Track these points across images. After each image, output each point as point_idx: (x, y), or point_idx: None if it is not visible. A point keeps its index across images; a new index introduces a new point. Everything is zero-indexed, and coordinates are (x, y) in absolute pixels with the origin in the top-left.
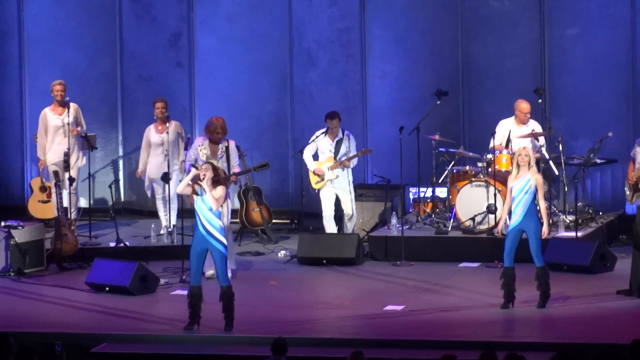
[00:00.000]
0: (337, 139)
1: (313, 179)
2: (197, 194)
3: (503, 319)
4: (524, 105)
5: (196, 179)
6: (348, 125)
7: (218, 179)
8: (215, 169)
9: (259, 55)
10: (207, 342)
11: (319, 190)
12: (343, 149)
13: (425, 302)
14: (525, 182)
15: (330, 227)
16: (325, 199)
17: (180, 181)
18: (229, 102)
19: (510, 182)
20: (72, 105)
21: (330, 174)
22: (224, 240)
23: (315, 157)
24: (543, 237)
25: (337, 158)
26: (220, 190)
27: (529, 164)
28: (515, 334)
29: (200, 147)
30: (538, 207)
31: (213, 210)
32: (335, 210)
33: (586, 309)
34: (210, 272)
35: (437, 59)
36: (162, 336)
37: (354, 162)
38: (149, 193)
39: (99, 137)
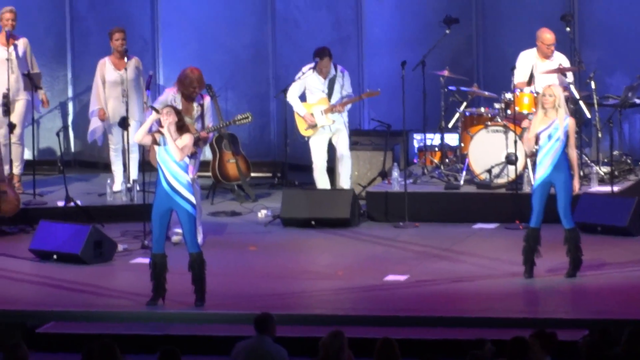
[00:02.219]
0: (329, 76)
1: (301, 125)
2: (158, 144)
3: (525, 290)
4: (547, 35)
5: (157, 126)
6: (341, 59)
7: (183, 124)
8: (178, 112)
9: None
10: (174, 319)
11: (308, 137)
12: (337, 89)
13: (433, 271)
14: (554, 128)
15: (322, 181)
16: (317, 147)
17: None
18: (197, 32)
19: (534, 128)
20: (23, 40)
21: (324, 119)
22: (192, 199)
23: (303, 97)
24: (574, 193)
25: (332, 100)
26: (186, 138)
27: (556, 105)
28: (540, 308)
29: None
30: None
31: (178, 162)
32: (327, 161)
33: (625, 279)
34: (177, 237)
35: None
36: (121, 313)
37: (348, 105)
38: (98, 141)
39: (45, 74)
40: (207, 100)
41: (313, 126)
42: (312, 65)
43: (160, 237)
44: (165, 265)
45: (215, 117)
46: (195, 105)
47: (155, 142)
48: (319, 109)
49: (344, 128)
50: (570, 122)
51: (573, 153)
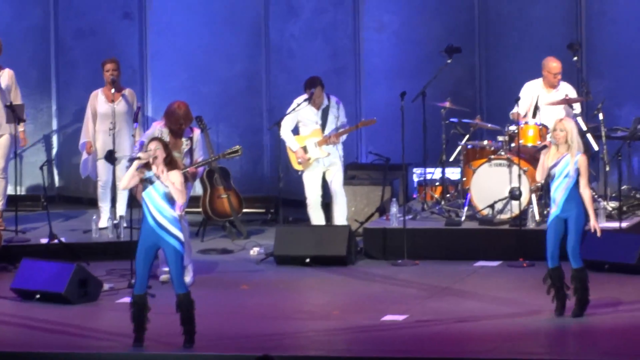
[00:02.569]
0: (322, 107)
1: (294, 159)
2: (149, 182)
3: (530, 331)
4: (553, 64)
5: (143, 166)
6: (337, 90)
7: (171, 159)
8: (166, 146)
9: (226, 4)
10: None
11: (301, 172)
12: (331, 119)
13: (433, 310)
14: (564, 164)
15: (316, 217)
16: (310, 182)
17: (128, 165)
18: (188, 62)
19: (546, 161)
20: (8, 72)
21: (318, 151)
22: (180, 235)
23: (296, 130)
24: (598, 234)
25: (326, 131)
26: (174, 175)
27: (568, 140)
28: (546, 350)
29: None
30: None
31: (167, 199)
32: (322, 197)
33: (634, 318)
34: (165, 276)
35: (447, 8)
36: (107, 355)
37: (343, 136)
38: (92, 176)
39: (28, 106)
40: (197, 133)
41: (306, 161)
42: (306, 96)
43: (143, 276)
44: (146, 305)
45: (205, 150)
46: (184, 139)
47: (143, 180)
48: (312, 141)
49: (339, 162)
50: (581, 160)
51: (588, 192)
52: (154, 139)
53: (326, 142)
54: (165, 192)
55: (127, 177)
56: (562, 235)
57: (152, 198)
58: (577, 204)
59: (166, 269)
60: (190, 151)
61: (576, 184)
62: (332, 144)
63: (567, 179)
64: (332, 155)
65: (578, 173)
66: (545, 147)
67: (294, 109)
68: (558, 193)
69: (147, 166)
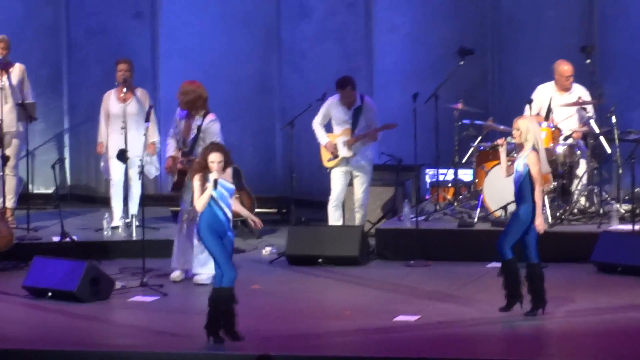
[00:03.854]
0: (354, 107)
1: (325, 156)
2: (215, 185)
3: (543, 333)
4: (564, 67)
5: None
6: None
7: (228, 159)
8: (225, 154)
9: (238, 4)
10: None
11: (329, 169)
12: (362, 121)
13: (444, 311)
14: (521, 160)
15: (335, 217)
16: (336, 180)
17: (140, 164)
18: (200, 62)
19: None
20: (19, 66)
21: (346, 150)
22: None
23: (329, 129)
24: (539, 232)
25: (356, 131)
26: (229, 170)
27: (523, 139)
28: (559, 352)
29: (177, 122)
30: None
31: (231, 192)
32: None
33: None
34: (177, 273)
35: (459, 10)
36: (119, 353)
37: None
38: (107, 176)
39: (39, 105)
40: (209, 119)
41: (335, 157)
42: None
43: (229, 263)
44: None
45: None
46: (193, 123)
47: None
48: (341, 140)
49: (368, 167)
50: (530, 156)
51: (537, 189)
52: (214, 149)
53: (355, 142)
54: (232, 189)
55: (203, 201)
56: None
57: (223, 196)
58: (524, 200)
59: (201, 270)
60: (196, 139)
61: (526, 181)
62: (361, 145)
63: (516, 174)
64: (362, 159)
65: (528, 170)
66: (497, 145)
67: (326, 107)
68: (514, 189)
69: (204, 171)
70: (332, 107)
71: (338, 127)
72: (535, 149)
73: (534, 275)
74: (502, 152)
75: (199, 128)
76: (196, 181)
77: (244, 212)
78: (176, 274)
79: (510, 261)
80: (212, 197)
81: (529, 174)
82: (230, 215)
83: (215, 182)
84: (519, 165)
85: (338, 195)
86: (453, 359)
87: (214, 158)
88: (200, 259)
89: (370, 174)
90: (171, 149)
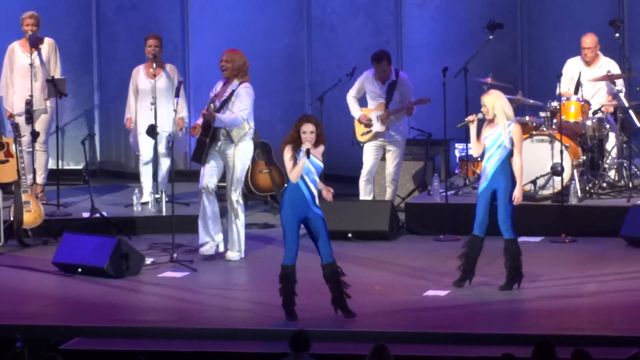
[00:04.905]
0: (389, 81)
1: (358, 129)
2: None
3: (574, 306)
4: (585, 40)
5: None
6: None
7: (320, 133)
8: (317, 125)
9: None
10: (205, 336)
11: (362, 143)
12: (396, 96)
13: (474, 285)
14: (497, 135)
15: (366, 191)
16: (368, 154)
17: (170, 139)
18: (230, 37)
19: (483, 132)
20: (48, 41)
21: (379, 125)
22: None
23: (363, 103)
24: (515, 204)
25: (389, 106)
26: (322, 146)
27: (492, 114)
28: (591, 325)
29: (213, 92)
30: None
31: (319, 170)
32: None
33: None
34: (207, 247)
35: None
36: (149, 329)
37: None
38: (137, 152)
39: (69, 81)
40: (242, 88)
41: (369, 131)
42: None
43: (295, 247)
44: (294, 276)
45: (241, 109)
46: (229, 87)
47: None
48: (375, 115)
49: (400, 143)
50: (514, 129)
51: (517, 161)
52: (307, 120)
53: (388, 117)
54: (320, 167)
55: (296, 172)
56: (491, 206)
57: (310, 172)
58: (506, 176)
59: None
60: (227, 101)
61: (509, 155)
62: (393, 120)
63: (500, 149)
64: (395, 134)
65: (512, 143)
66: (467, 122)
67: (361, 81)
68: (489, 164)
69: (295, 142)
70: (366, 81)
71: (372, 101)
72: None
73: (510, 250)
74: (472, 128)
75: (233, 92)
76: (286, 153)
77: (320, 186)
78: (205, 248)
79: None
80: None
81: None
82: (315, 192)
83: (308, 152)
84: (504, 139)
85: (370, 170)
86: (483, 334)
87: (307, 128)
88: (232, 235)
89: (403, 149)
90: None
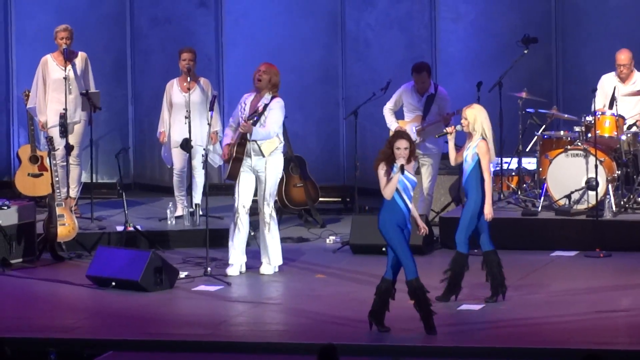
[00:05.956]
0: (427, 94)
1: None
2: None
3: (610, 321)
4: (620, 56)
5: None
6: (412, 80)
7: (413, 149)
8: (410, 142)
9: None
10: (238, 349)
11: None
12: (434, 108)
13: (508, 300)
14: (470, 150)
15: None
16: None
17: (204, 153)
18: (264, 51)
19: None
20: (81, 55)
21: (415, 136)
22: None
23: (400, 116)
24: (486, 219)
25: (427, 119)
26: (414, 163)
27: (471, 129)
28: (628, 340)
29: (241, 106)
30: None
31: (414, 185)
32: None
33: None
34: (234, 267)
35: None
36: (183, 343)
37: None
38: (169, 165)
39: (103, 94)
40: (276, 102)
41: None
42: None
43: (413, 258)
44: (424, 289)
45: (273, 124)
46: (262, 100)
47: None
48: (411, 127)
49: (436, 156)
50: (480, 145)
51: (486, 177)
52: (400, 136)
53: (424, 129)
54: (415, 182)
55: (392, 187)
56: (478, 220)
57: (406, 188)
58: (473, 189)
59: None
60: (260, 115)
61: (472, 170)
62: (429, 134)
63: (466, 164)
64: (430, 145)
65: (479, 159)
66: (446, 133)
67: (399, 93)
68: (464, 177)
69: (388, 159)
70: (404, 94)
71: (409, 113)
72: (484, 138)
73: (490, 262)
74: (450, 140)
75: (266, 106)
76: (380, 170)
77: (415, 213)
78: (234, 269)
79: (462, 255)
80: (397, 190)
81: (478, 163)
82: (411, 206)
83: (402, 167)
84: (468, 155)
85: None
86: (517, 347)
87: (400, 144)
88: (266, 249)
89: (438, 162)
90: (228, 139)
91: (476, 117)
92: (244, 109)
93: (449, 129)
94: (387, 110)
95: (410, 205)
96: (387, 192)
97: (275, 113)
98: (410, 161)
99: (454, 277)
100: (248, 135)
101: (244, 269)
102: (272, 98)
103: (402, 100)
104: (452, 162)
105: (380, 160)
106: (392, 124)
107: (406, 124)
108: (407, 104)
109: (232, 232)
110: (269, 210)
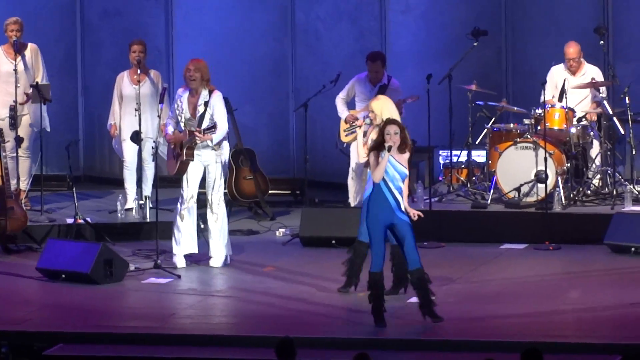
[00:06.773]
0: (379, 84)
1: (342, 129)
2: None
3: (558, 313)
4: (569, 50)
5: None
6: (362, 71)
7: (405, 137)
8: (396, 123)
9: None
10: (189, 342)
11: (347, 144)
12: None
13: (457, 293)
14: None
15: (355, 189)
16: (355, 153)
17: (154, 146)
18: (215, 43)
19: (369, 136)
20: (31, 47)
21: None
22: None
23: (352, 107)
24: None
25: None
26: (408, 153)
27: (378, 120)
28: (577, 333)
29: (178, 104)
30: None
31: (403, 177)
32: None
33: None
34: (180, 259)
35: None
36: (133, 335)
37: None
38: (122, 157)
39: (53, 86)
40: (216, 95)
41: (352, 131)
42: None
43: (382, 253)
44: (383, 283)
45: (222, 120)
46: (200, 98)
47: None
48: (362, 115)
49: None
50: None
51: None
52: (392, 122)
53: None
54: (405, 174)
55: (381, 169)
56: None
57: (394, 178)
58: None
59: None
60: (203, 115)
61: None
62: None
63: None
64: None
65: None
66: (356, 126)
67: (352, 82)
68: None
69: (380, 146)
70: (357, 83)
71: (361, 103)
72: None
73: (397, 255)
74: (360, 133)
75: (206, 104)
76: (371, 157)
77: (405, 204)
78: (180, 259)
79: (362, 244)
80: (383, 179)
81: None
82: (400, 198)
83: (390, 147)
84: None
85: (356, 168)
86: (466, 340)
87: (391, 129)
88: (215, 241)
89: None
90: (170, 129)
91: (382, 109)
92: (182, 108)
93: (358, 122)
94: (339, 100)
95: (399, 197)
96: (377, 174)
97: (219, 108)
98: (404, 152)
99: (353, 267)
100: (208, 142)
101: (196, 249)
102: (211, 92)
103: (354, 90)
104: (364, 155)
105: (371, 148)
106: (343, 112)
107: (357, 113)
108: (359, 94)
109: (179, 222)
110: (217, 200)
